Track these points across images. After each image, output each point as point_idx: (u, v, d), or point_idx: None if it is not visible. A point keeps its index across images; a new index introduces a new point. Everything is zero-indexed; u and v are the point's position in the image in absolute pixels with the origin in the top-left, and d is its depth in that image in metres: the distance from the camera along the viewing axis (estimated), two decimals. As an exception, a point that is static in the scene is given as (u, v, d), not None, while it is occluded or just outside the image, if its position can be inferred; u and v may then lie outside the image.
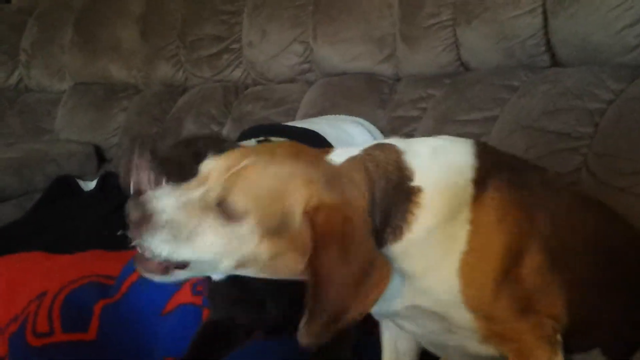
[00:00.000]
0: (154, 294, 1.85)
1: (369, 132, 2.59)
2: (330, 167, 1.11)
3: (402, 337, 1.43)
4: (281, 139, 1.75)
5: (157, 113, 3.46)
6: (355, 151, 1.15)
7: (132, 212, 1.07)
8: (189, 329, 1.70)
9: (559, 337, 1.20)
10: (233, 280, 1.33)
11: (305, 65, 2.99)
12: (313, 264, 1.03)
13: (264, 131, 2.39)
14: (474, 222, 1.12)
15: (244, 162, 1.08)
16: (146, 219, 1.06)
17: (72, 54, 3.89)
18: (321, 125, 2.50)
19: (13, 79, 4.19)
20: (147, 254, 1.09)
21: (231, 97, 3.24)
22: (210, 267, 1.12)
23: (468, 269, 1.12)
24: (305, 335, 1.04)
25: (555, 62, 2.28)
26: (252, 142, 2.26)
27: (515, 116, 2.19)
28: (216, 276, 1.16)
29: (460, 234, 1.12)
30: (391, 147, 1.16)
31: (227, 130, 3.12)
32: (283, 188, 1.05)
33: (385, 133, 2.63)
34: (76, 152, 3.58)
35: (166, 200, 1.07)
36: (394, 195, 1.10)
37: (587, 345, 1.33)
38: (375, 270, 1.04)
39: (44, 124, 3.95)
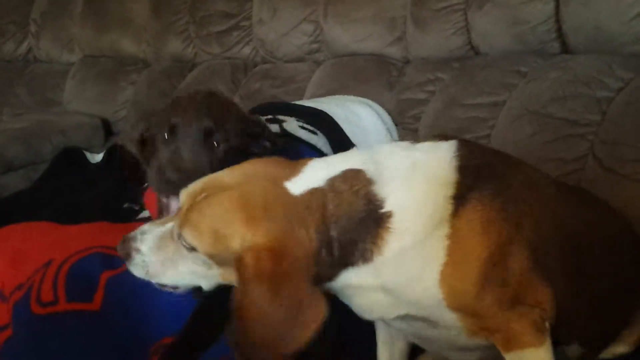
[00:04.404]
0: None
1: (377, 113, 2.59)
2: (284, 201, 1.12)
3: (398, 337, 1.46)
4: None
5: (166, 88, 3.47)
6: (319, 180, 1.14)
7: (119, 250, 1.26)
8: (193, 304, 1.71)
9: (547, 324, 1.21)
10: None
11: (315, 45, 2.99)
12: (238, 301, 1.08)
13: (273, 109, 2.40)
14: (452, 237, 1.13)
15: (201, 197, 1.15)
16: (129, 256, 1.25)
17: (82, 26, 3.89)
18: (330, 105, 2.50)
19: (22, 49, 4.18)
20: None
21: (240, 74, 3.24)
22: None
23: (449, 279, 1.13)
24: (237, 356, 1.13)
25: (565, 49, 2.27)
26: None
27: (523, 102, 2.19)
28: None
29: (438, 248, 1.13)
30: (360, 177, 1.15)
31: (235, 108, 3.12)
32: (224, 229, 1.10)
33: (393, 115, 2.63)
34: (84, 124, 3.59)
35: (146, 239, 1.23)
36: (359, 227, 1.12)
37: (567, 338, 1.34)
38: (309, 308, 1.08)
39: (52, 96, 3.95)
